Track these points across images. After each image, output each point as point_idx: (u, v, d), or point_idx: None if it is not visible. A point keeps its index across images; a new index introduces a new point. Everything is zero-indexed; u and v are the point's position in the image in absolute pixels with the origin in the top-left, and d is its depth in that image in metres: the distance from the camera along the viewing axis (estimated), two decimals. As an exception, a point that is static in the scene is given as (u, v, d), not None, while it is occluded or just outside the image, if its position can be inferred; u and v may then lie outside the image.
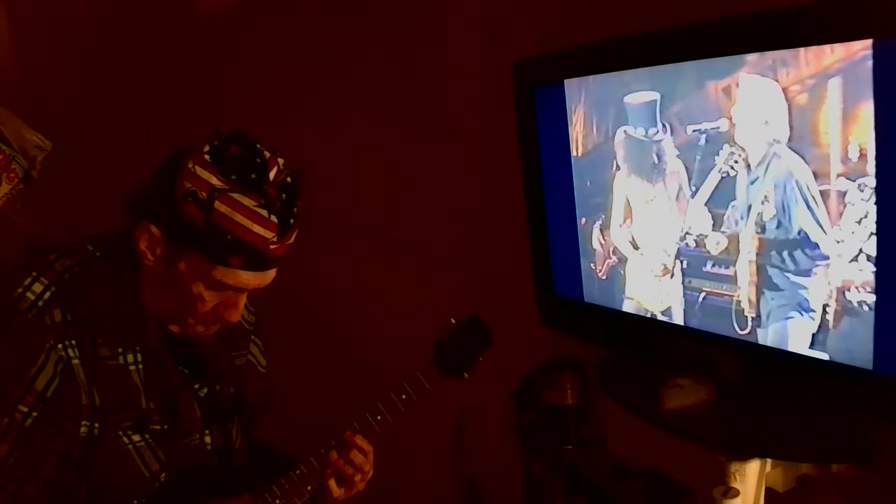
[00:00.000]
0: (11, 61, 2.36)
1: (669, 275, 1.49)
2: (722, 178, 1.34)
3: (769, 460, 1.33)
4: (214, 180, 1.11)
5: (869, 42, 1.08)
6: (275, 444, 1.52)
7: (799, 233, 1.23)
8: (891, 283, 1.13)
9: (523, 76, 1.72)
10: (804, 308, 1.25)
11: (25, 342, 1.14)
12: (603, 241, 1.64)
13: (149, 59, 2.30)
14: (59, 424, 1.16)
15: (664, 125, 1.43)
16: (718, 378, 1.41)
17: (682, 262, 1.46)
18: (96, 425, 1.18)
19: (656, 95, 1.43)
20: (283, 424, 1.52)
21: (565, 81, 1.62)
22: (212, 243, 1.12)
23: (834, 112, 1.14)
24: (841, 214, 1.16)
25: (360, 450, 1.36)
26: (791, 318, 1.28)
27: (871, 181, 1.11)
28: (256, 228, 1.12)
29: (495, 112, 1.86)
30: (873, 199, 1.11)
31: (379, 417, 1.40)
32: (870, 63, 1.08)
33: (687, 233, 1.43)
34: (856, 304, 1.17)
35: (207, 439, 1.32)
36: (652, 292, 1.54)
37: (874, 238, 1.12)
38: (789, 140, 1.22)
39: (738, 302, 1.36)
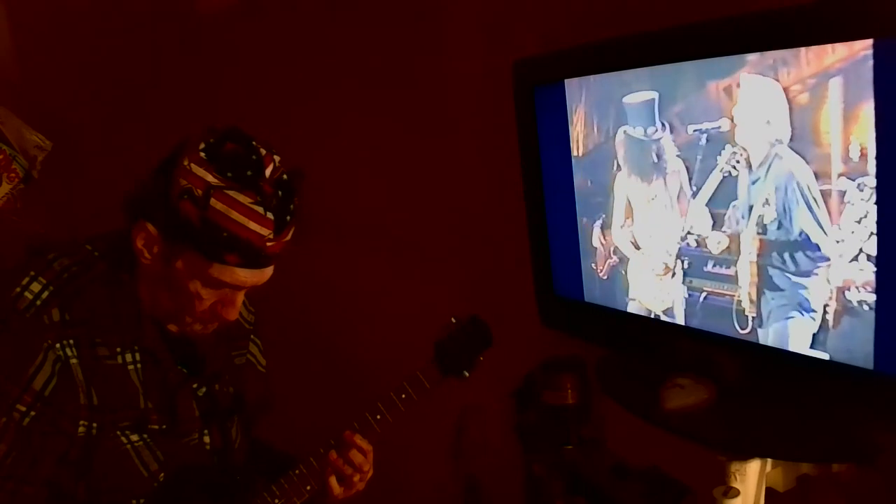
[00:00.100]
0: (11, 61, 2.36)
1: (671, 274, 1.49)
2: (724, 178, 1.34)
3: (769, 460, 1.33)
4: (210, 177, 1.11)
5: (869, 42, 1.08)
6: (275, 444, 1.52)
7: (800, 234, 1.23)
8: (891, 283, 1.12)
9: (523, 76, 1.72)
10: (805, 308, 1.25)
11: (23, 341, 1.14)
12: (604, 241, 1.64)
13: (149, 59, 2.30)
14: (57, 424, 1.15)
15: (663, 124, 1.43)
16: (719, 378, 1.41)
17: (683, 261, 1.46)
18: (94, 425, 1.18)
19: (654, 94, 1.43)
20: (283, 424, 1.52)
21: (565, 81, 1.62)
22: (208, 241, 1.12)
23: (835, 112, 1.14)
24: (842, 214, 1.16)
25: (360, 449, 1.36)
26: (792, 317, 1.28)
27: (872, 181, 1.11)
28: (252, 226, 1.11)
29: (495, 112, 1.86)
30: (874, 198, 1.11)
31: (379, 417, 1.40)
32: (870, 63, 1.08)
33: (688, 232, 1.43)
34: (856, 304, 1.17)
35: (206, 439, 1.31)
36: (653, 292, 1.54)
37: (875, 238, 1.12)
38: (791, 140, 1.22)
39: (739, 302, 1.36)
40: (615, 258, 1.62)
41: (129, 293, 1.21)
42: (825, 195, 1.18)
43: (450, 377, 1.47)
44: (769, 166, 1.26)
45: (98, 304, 1.18)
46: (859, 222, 1.14)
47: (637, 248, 1.56)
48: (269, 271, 1.20)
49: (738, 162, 1.31)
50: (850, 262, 1.16)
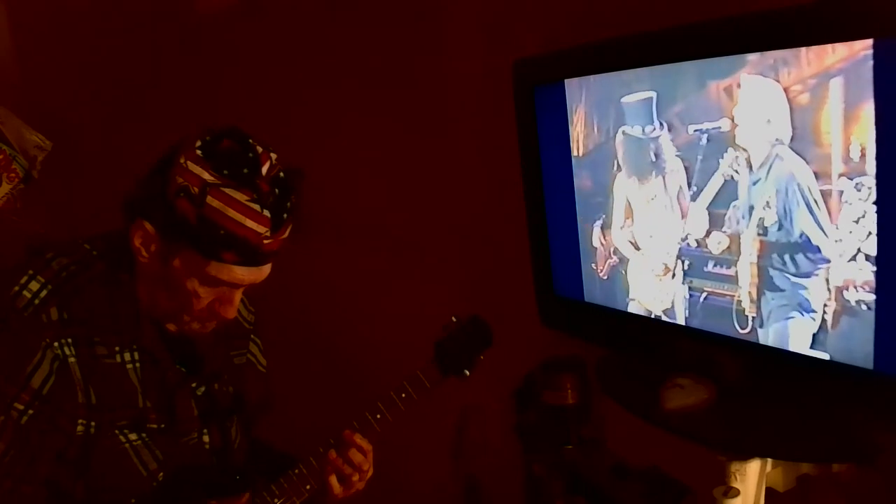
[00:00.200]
0: (11, 61, 2.36)
1: (671, 274, 1.49)
2: (725, 182, 1.34)
3: (769, 460, 1.32)
4: (206, 175, 1.11)
5: (870, 42, 1.08)
6: (275, 443, 1.52)
7: (800, 236, 1.23)
8: (891, 283, 1.12)
9: (523, 76, 1.72)
10: (805, 308, 1.25)
11: (22, 340, 1.14)
12: (604, 241, 1.63)
13: (149, 59, 2.30)
14: (55, 422, 1.15)
15: (661, 123, 1.43)
16: (719, 378, 1.41)
17: (683, 261, 1.46)
18: (93, 424, 1.18)
19: (652, 93, 1.43)
20: (283, 424, 1.52)
21: (565, 81, 1.62)
22: (205, 238, 1.12)
23: (836, 112, 1.14)
24: (841, 214, 1.16)
25: (359, 449, 1.36)
26: (792, 318, 1.27)
27: (872, 181, 1.10)
28: (249, 223, 1.11)
29: (495, 112, 1.86)
30: (873, 198, 1.11)
31: (379, 416, 1.40)
32: (871, 63, 1.08)
33: (688, 233, 1.43)
34: (856, 304, 1.17)
35: (206, 438, 1.31)
36: (653, 292, 1.54)
37: (874, 237, 1.12)
38: (791, 140, 1.21)
39: (739, 302, 1.36)
40: (615, 258, 1.62)
41: (127, 292, 1.21)
42: (825, 195, 1.18)
43: (450, 377, 1.47)
44: (770, 167, 1.26)
45: (96, 304, 1.18)
46: (858, 222, 1.14)
47: (637, 248, 1.56)
48: (266, 269, 1.20)
49: (739, 165, 1.31)
50: (849, 261, 1.16)
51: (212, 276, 1.16)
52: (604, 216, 1.62)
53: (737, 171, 1.31)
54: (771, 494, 1.36)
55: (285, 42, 2.25)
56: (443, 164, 2.15)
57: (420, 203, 2.21)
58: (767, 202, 1.27)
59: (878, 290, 1.14)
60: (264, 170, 1.13)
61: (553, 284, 1.79)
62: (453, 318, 1.50)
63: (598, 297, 1.68)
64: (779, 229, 1.26)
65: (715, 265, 1.40)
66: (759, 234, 1.30)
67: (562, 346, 1.88)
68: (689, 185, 1.40)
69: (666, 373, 1.46)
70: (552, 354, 1.91)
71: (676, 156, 1.42)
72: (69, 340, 1.16)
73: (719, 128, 1.32)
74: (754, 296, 1.33)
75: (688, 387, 1.42)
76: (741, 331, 1.37)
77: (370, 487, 1.42)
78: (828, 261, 1.20)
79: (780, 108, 1.22)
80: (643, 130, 1.47)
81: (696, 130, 1.37)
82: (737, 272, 1.35)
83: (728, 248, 1.36)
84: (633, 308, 1.60)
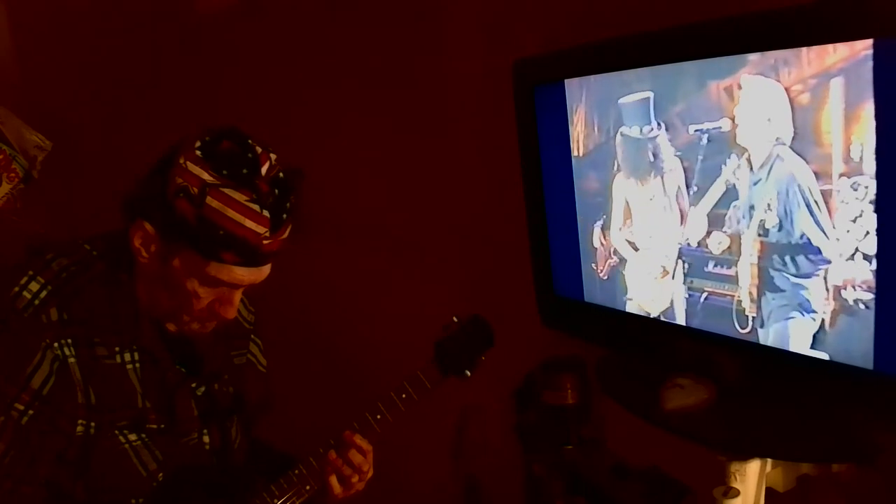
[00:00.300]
0: (11, 61, 2.36)
1: (670, 276, 1.49)
2: (727, 189, 1.34)
3: (769, 460, 1.32)
4: (206, 175, 1.11)
5: (870, 42, 1.08)
6: (275, 444, 1.52)
7: (801, 237, 1.23)
8: (890, 283, 1.12)
9: (523, 76, 1.72)
10: (805, 309, 1.25)
11: (22, 341, 1.14)
12: (604, 241, 1.63)
13: (149, 59, 2.30)
14: (55, 423, 1.15)
15: (658, 122, 1.43)
16: (719, 378, 1.41)
17: (683, 262, 1.46)
18: (92, 424, 1.18)
19: (649, 93, 1.43)
20: (283, 424, 1.52)
21: (566, 81, 1.62)
22: (204, 239, 1.12)
23: (836, 112, 1.14)
24: (847, 215, 1.16)
25: (359, 449, 1.36)
26: (792, 318, 1.27)
27: (872, 180, 1.10)
28: (248, 223, 1.11)
29: (495, 112, 1.86)
30: (873, 198, 1.11)
31: (379, 417, 1.40)
32: (871, 63, 1.08)
33: (688, 235, 1.43)
34: (856, 304, 1.17)
35: (206, 439, 1.31)
36: (651, 294, 1.54)
37: (875, 237, 1.12)
38: (793, 140, 1.21)
39: (740, 302, 1.36)
40: (615, 259, 1.61)
41: (127, 293, 1.21)
42: (826, 196, 1.18)
43: (450, 377, 1.47)
44: (770, 167, 1.26)
45: (96, 304, 1.18)
46: (855, 221, 1.14)
47: (635, 249, 1.56)
48: (266, 270, 1.20)
49: (740, 172, 1.30)
50: (849, 261, 1.16)
51: (211, 277, 1.16)
52: (604, 217, 1.62)
53: (738, 179, 1.31)
54: (771, 494, 1.36)
55: (285, 42, 2.25)
56: (443, 164, 2.15)
57: (420, 203, 2.21)
58: (769, 204, 1.27)
59: (878, 289, 1.14)
60: (264, 170, 1.13)
61: (553, 284, 1.79)
62: (454, 318, 1.50)
63: (599, 298, 1.68)
64: (779, 230, 1.26)
65: (715, 265, 1.39)
66: (759, 235, 1.30)
67: (562, 346, 1.88)
68: (689, 186, 1.40)
69: (666, 373, 1.46)
70: (552, 354, 1.91)
71: (675, 156, 1.42)
72: (69, 341, 1.16)
73: (720, 128, 1.32)
74: (755, 296, 1.33)
75: (688, 387, 1.42)
76: (741, 331, 1.37)
77: (370, 487, 1.41)
78: (828, 262, 1.19)
79: (781, 108, 1.22)
80: (641, 131, 1.47)
81: (696, 130, 1.37)
82: (737, 272, 1.35)
83: (728, 248, 1.36)
84: (633, 308, 1.60)
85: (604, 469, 1.78)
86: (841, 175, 1.15)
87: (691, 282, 1.45)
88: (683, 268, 1.46)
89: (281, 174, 1.15)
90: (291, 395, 1.70)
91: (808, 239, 1.22)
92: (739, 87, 1.28)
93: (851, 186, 1.13)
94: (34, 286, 1.16)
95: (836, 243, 1.17)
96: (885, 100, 1.07)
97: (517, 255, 1.87)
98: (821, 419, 1.24)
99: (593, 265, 1.67)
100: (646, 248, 1.54)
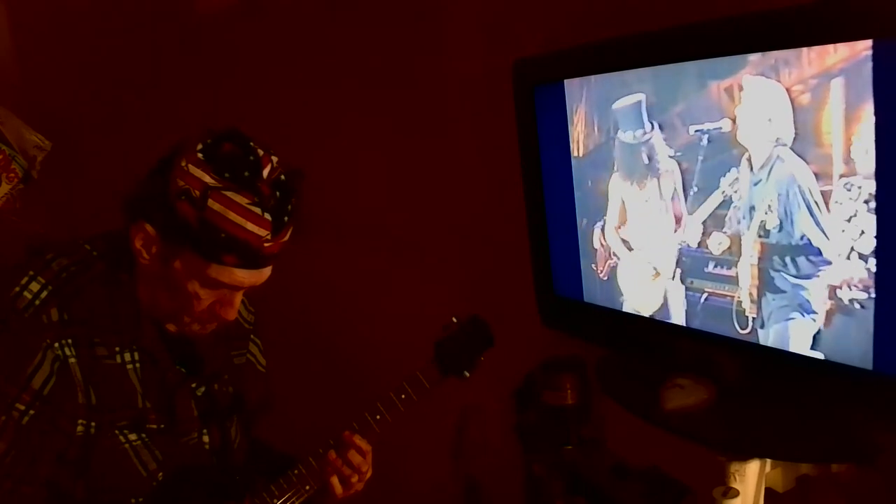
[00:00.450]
0: (11, 61, 2.36)
1: (669, 277, 1.49)
2: (724, 200, 1.34)
3: (769, 460, 1.32)
4: (207, 178, 1.11)
5: (870, 42, 1.08)
6: (275, 444, 1.52)
7: (801, 238, 1.23)
8: (890, 283, 1.12)
9: (523, 76, 1.72)
10: (806, 309, 1.25)
11: (22, 341, 1.14)
12: (604, 242, 1.63)
13: (149, 59, 2.30)
14: (55, 423, 1.16)
15: (652, 124, 1.43)
16: (719, 378, 1.41)
17: (683, 262, 1.46)
18: (93, 424, 1.18)
19: (640, 96, 1.44)
20: (283, 424, 1.52)
21: (566, 81, 1.62)
22: (206, 241, 1.12)
23: (837, 112, 1.14)
24: (841, 214, 1.16)
25: (359, 449, 1.36)
26: (792, 318, 1.27)
27: (865, 181, 1.10)
28: (250, 226, 1.11)
29: (495, 112, 1.86)
30: (869, 198, 1.11)
31: (378, 417, 1.40)
32: (871, 63, 1.08)
33: (683, 238, 1.43)
34: (856, 305, 1.17)
35: (206, 438, 1.31)
36: (643, 295, 1.54)
37: (872, 237, 1.12)
38: (794, 140, 1.21)
39: (740, 302, 1.36)
40: (615, 259, 1.62)
41: (127, 293, 1.21)
42: (826, 196, 1.18)
43: (450, 377, 1.47)
44: (771, 168, 1.26)
45: (97, 304, 1.18)
46: (849, 221, 1.14)
47: (629, 248, 1.56)
48: (267, 272, 1.20)
49: (742, 172, 1.30)
50: (849, 261, 1.16)
51: (212, 279, 1.16)
52: (604, 217, 1.62)
53: (736, 192, 1.31)
54: (771, 495, 1.36)
55: (285, 42, 2.25)
56: (443, 164, 2.15)
57: (420, 203, 2.21)
58: (769, 205, 1.27)
59: (877, 289, 1.14)
60: (265, 173, 1.13)
61: (553, 285, 1.79)
62: (453, 319, 1.50)
63: (598, 298, 1.68)
64: (780, 231, 1.26)
65: (715, 266, 1.39)
66: (760, 236, 1.30)
67: (562, 346, 1.88)
68: (688, 187, 1.40)
69: (666, 373, 1.46)
70: (552, 354, 1.91)
71: (671, 157, 1.42)
72: (69, 341, 1.16)
73: (720, 128, 1.32)
74: (755, 297, 1.33)
75: (688, 387, 1.42)
76: (741, 331, 1.37)
77: (370, 487, 1.42)
78: (829, 262, 1.19)
79: (782, 109, 1.22)
80: (633, 136, 1.47)
81: (696, 131, 1.37)
82: (737, 273, 1.35)
83: (728, 248, 1.36)
84: (627, 307, 1.60)
85: (604, 469, 1.78)
86: (841, 176, 1.15)
87: (691, 282, 1.45)
88: (682, 269, 1.46)
89: (282, 177, 1.15)
90: (291, 395, 1.70)
91: (809, 240, 1.22)
92: (740, 88, 1.28)
93: (845, 187, 1.13)
94: (35, 286, 1.16)
95: (835, 244, 1.18)
96: (886, 100, 1.07)
97: (517, 255, 1.87)
98: (820, 419, 1.24)
99: (593, 265, 1.67)
100: (639, 248, 1.54)
